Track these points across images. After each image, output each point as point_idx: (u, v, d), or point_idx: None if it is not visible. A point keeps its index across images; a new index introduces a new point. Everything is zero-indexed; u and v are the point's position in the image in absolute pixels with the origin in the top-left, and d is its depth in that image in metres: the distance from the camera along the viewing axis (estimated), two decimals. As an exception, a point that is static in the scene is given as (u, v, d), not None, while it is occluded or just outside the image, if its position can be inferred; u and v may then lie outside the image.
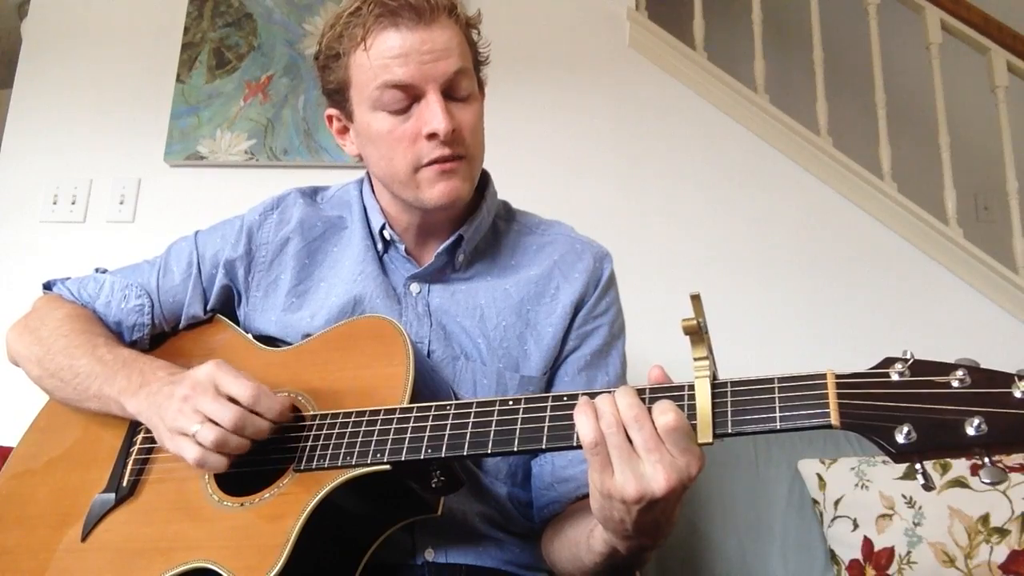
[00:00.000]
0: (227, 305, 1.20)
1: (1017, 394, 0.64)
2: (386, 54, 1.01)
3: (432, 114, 1.01)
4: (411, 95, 1.02)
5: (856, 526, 1.51)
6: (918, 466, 0.68)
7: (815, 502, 1.60)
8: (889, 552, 1.47)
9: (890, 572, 1.46)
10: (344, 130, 1.13)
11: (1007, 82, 2.30)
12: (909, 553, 1.45)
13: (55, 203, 2.32)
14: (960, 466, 1.48)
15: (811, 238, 2.17)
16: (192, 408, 0.90)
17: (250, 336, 1.15)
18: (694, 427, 0.75)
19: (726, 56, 2.51)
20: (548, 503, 1.08)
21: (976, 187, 2.94)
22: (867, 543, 1.49)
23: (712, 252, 2.17)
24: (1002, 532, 1.42)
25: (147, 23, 2.46)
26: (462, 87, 1.05)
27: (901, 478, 1.51)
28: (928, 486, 0.69)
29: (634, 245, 2.12)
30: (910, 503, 1.48)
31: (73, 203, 2.32)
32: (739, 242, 2.17)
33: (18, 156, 2.38)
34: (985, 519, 1.43)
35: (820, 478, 1.59)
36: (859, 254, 2.15)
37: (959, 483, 1.47)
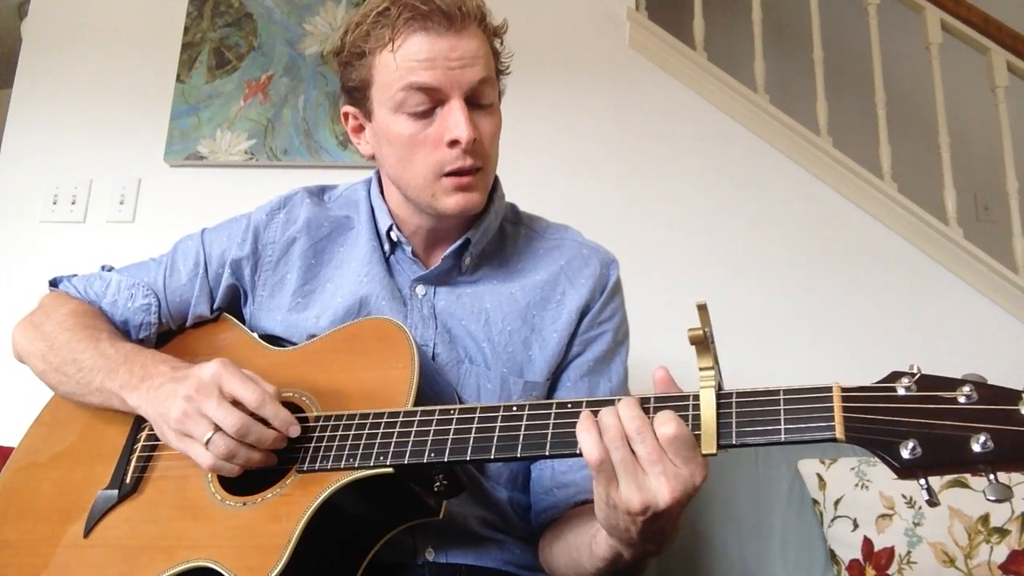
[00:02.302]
0: (234, 304, 1.20)
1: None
2: (413, 57, 1.00)
3: (456, 121, 1.00)
4: (435, 99, 1.02)
5: (856, 526, 1.51)
6: (922, 481, 0.67)
7: (815, 502, 1.60)
8: (889, 552, 1.47)
9: (890, 572, 1.46)
10: (359, 128, 1.12)
11: (1007, 82, 2.30)
12: (909, 553, 1.45)
13: (55, 203, 2.32)
14: (960, 466, 1.48)
15: (811, 238, 2.17)
16: (197, 410, 0.90)
17: (256, 335, 1.15)
18: (698, 438, 0.74)
19: (726, 56, 2.51)
20: (546, 508, 1.08)
21: (976, 187, 2.94)
22: (867, 543, 1.50)
23: (711, 251, 2.17)
24: (1002, 532, 1.42)
25: (147, 23, 2.46)
26: (485, 95, 1.04)
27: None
28: (932, 502, 0.67)
29: (633, 244, 2.12)
30: (910, 503, 1.49)
31: (73, 203, 2.32)
32: (738, 241, 2.17)
33: (18, 156, 2.38)
34: (985, 519, 1.43)
35: (820, 478, 1.59)
36: (859, 254, 2.15)
37: (959, 483, 1.47)
